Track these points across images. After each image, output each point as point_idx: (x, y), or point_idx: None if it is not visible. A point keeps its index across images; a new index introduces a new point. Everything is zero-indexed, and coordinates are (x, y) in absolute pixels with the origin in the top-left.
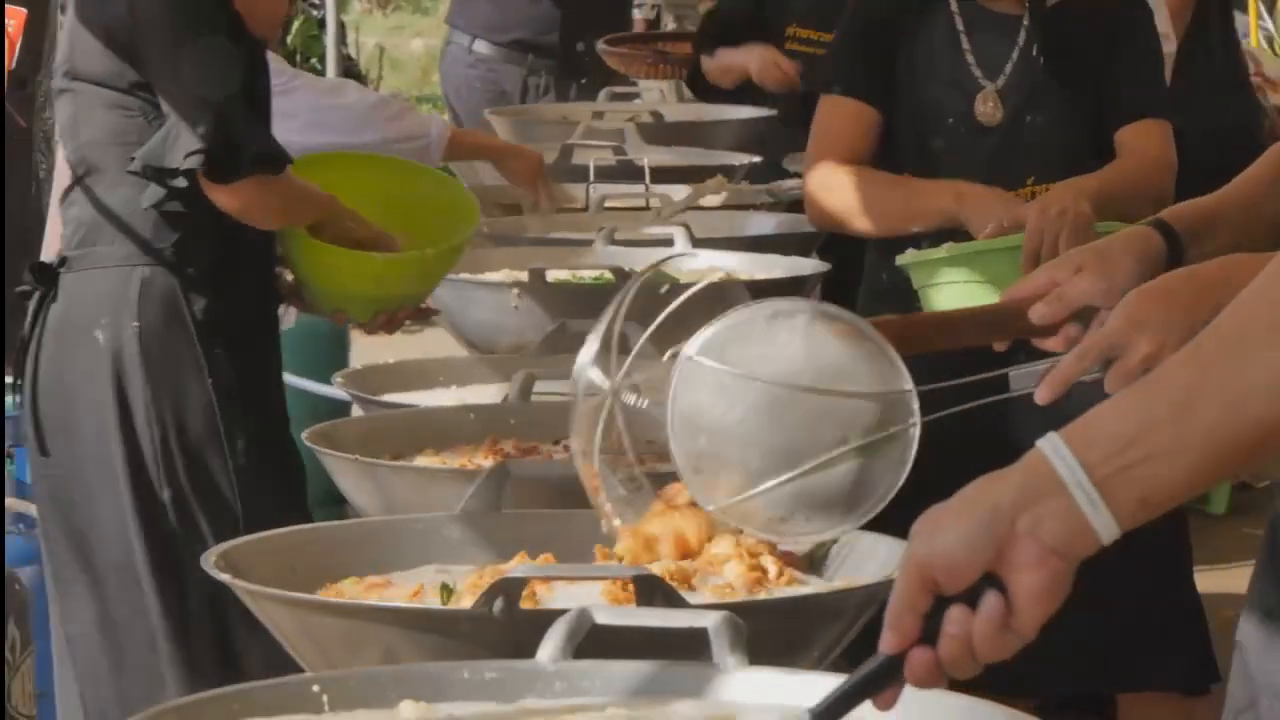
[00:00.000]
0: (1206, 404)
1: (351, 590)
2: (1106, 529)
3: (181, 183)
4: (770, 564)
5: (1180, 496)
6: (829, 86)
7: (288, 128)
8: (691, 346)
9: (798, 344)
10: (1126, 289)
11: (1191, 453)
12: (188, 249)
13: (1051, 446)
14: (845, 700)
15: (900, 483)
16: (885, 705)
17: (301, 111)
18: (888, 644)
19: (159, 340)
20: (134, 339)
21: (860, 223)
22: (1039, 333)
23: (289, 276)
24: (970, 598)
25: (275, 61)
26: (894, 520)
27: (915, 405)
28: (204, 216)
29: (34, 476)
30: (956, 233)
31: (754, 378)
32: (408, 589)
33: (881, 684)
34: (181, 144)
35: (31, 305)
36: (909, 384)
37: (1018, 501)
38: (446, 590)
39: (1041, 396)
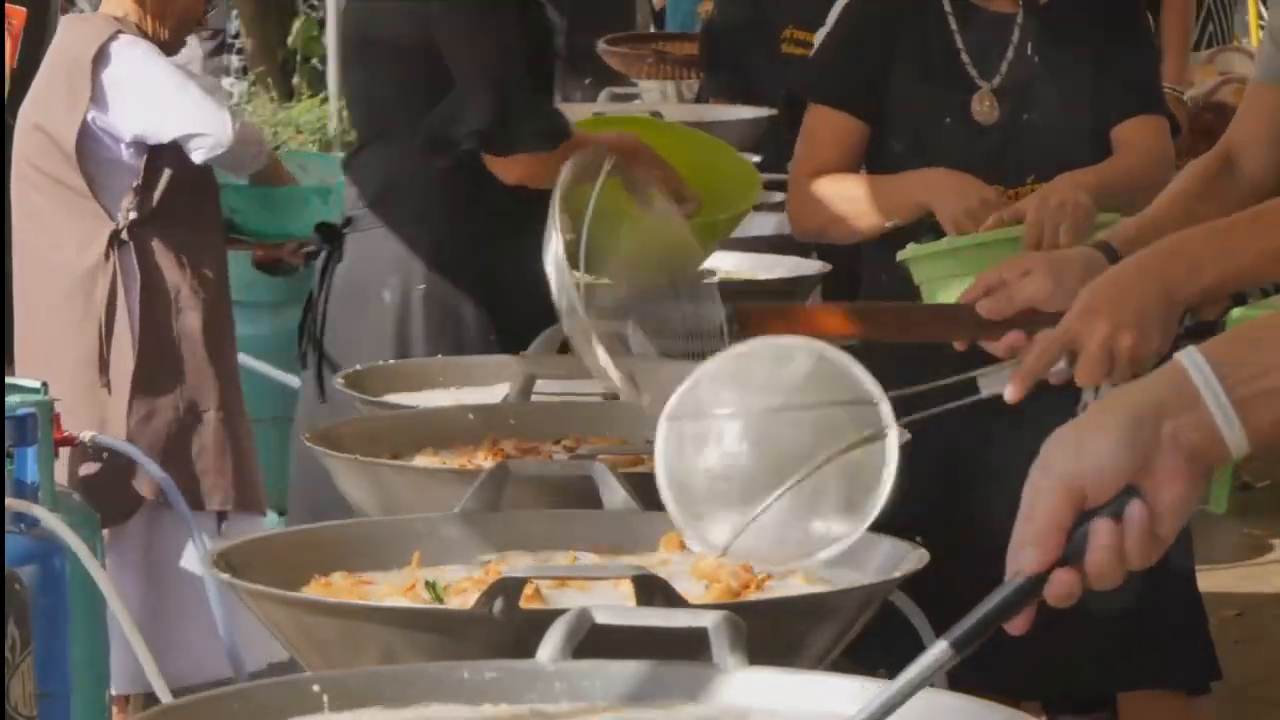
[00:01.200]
0: None
1: (342, 584)
2: (1238, 445)
3: (462, 154)
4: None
5: None
6: (816, 95)
7: (163, 122)
8: (665, 409)
9: (764, 375)
10: (1074, 291)
11: None
12: (476, 207)
13: (1191, 361)
14: (985, 625)
15: (886, 489)
16: (1019, 629)
17: (173, 107)
18: (1034, 564)
19: (444, 299)
20: (420, 299)
21: (839, 229)
22: (990, 332)
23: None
24: (1113, 510)
25: (149, 53)
26: (893, 522)
27: (886, 411)
28: (494, 177)
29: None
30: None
31: (719, 415)
32: (385, 588)
33: (1019, 607)
34: (465, 119)
35: (319, 265)
36: (879, 394)
37: (1160, 411)
38: (432, 587)
39: (1011, 396)
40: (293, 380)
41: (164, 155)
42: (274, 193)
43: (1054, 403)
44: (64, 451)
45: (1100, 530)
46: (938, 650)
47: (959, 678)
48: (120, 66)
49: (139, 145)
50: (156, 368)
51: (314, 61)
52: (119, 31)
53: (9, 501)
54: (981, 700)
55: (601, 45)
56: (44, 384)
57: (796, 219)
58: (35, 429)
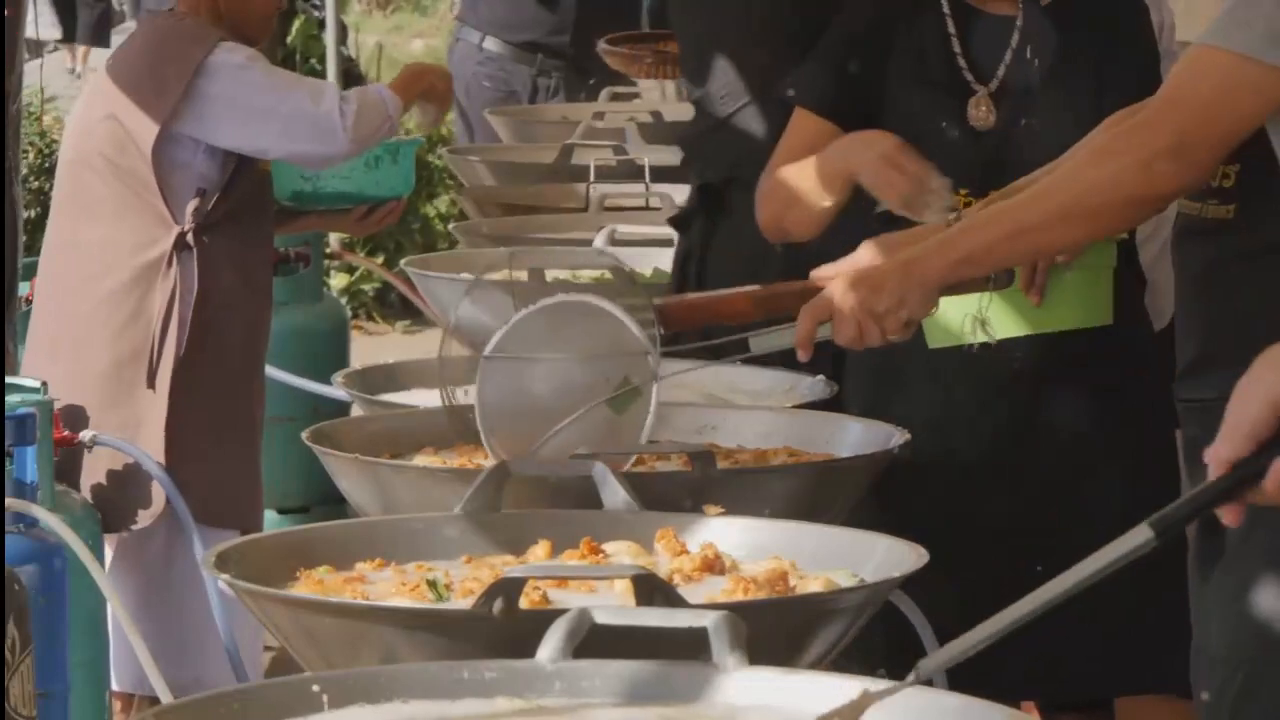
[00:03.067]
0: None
1: (332, 581)
2: None
3: None
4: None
5: None
6: (801, 98)
7: (264, 132)
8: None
9: (550, 328)
10: None
11: None
12: None
13: None
14: (1194, 510)
15: (645, 427)
16: (1233, 520)
17: (279, 116)
18: (1221, 457)
19: None
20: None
21: (793, 216)
22: None
23: None
24: None
25: (256, 60)
26: (894, 523)
27: (654, 365)
28: None
29: None
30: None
31: (514, 357)
32: (383, 586)
33: (1226, 497)
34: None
35: (697, 223)
36: (650, 349)
37: None
38: (433, 585)
39: (801, 356)
40: (293, 380)
41: (243, 164)
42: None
43: (1057, 406)
44: (82, 454)
45: None
46: (1140, 535)
47: (959, 678)
48: (223, 80)
49: (220, 152)
50: (201, 374)
51: (313, 61)
52: (221, 39)
53: (9, 501)
54: (982, 700)
55: (601, 45)
56: (44, 384)
57: (759, 211)
58: (35, 429)
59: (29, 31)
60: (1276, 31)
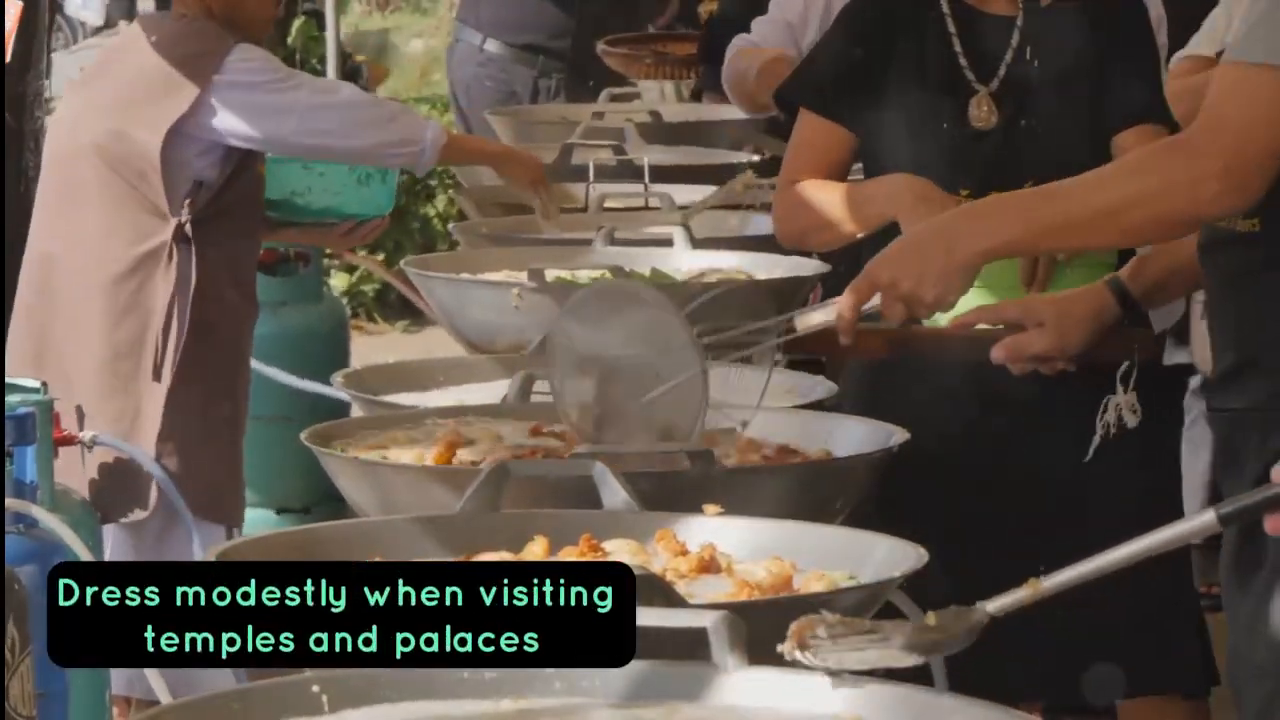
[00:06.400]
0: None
1: None
2: None
3: None
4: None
5: None
6: (806, 101)
7: (283, 125)
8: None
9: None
10: (1076, 348)
11: None
12: None
13: None
14: (1262, 506)
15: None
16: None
17: (297, 109)
18: None
19: None
20: None
21: (817, 236)
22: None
23: None
24: None
25: (270, 60)
26: (895, 524)
27: (698, 357)
28: None
29: None
30: None
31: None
32: None
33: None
34: None
35: None
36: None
37: None
38: None
39: (844, 337)
40: (293, 380)
41: (244, 161)
42: (339, 171)
43: (1056, 408)
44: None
45: None
46: (1206, 518)
47: (959, 678)
48: (244, 78)
49: (223, 148)
50: (196, 368)
51: (314, 61)
52: (237, 42)
53: (9, 501)
54: (983, 701)
55: (601, 46)
56: (43, 384)
57: (779, 224)
58: (34, 428)
59: (73, 10)
60: None
